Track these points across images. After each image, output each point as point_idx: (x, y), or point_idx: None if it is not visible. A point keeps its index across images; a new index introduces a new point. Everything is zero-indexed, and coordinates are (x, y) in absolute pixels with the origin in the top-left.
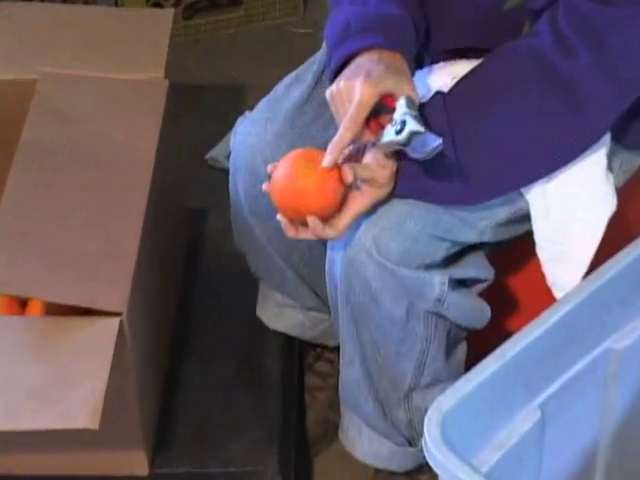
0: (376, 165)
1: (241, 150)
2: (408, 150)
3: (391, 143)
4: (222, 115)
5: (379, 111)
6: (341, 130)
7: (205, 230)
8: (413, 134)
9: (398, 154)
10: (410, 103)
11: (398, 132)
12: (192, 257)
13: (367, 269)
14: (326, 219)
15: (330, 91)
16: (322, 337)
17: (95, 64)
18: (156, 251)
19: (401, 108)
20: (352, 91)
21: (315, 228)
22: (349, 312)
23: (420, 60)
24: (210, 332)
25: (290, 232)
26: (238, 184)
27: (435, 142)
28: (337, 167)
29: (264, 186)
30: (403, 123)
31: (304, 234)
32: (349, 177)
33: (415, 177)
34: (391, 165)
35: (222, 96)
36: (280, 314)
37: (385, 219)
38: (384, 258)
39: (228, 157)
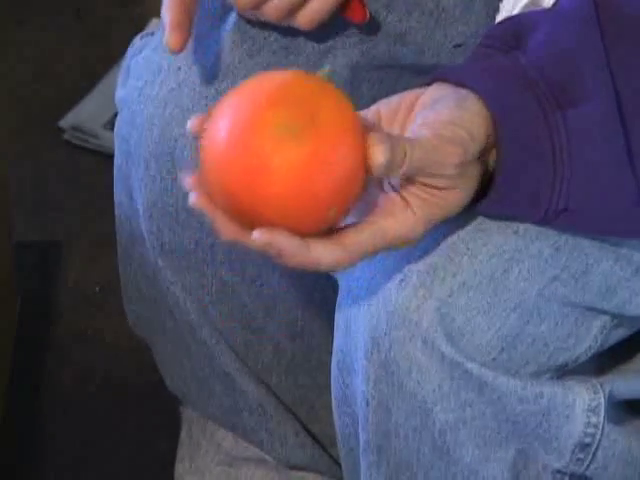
0: (435, 135)
1: (140, 111)
2: None
3: None
4: (93, 30)
5: None
6: None
7: (60, 289)
8: None
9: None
10: None
11: None
12: (31, 349)
13: (425, 379)
14: (319, 232)
15: None
16: None
17: None
18: None
19: None
20: None
21: (295, 251)
22: (385, 475)
23: None
24: None
25: (227, 231)
26: (134, 185)
27: None
28: (357, 127)
29: (185, 180)
30: None
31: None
32: (379, 157)
33: (527, 171)
34: (464, 135)
35: None
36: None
37: (464, 265)
38: (464, 354)
39: (109, 126)
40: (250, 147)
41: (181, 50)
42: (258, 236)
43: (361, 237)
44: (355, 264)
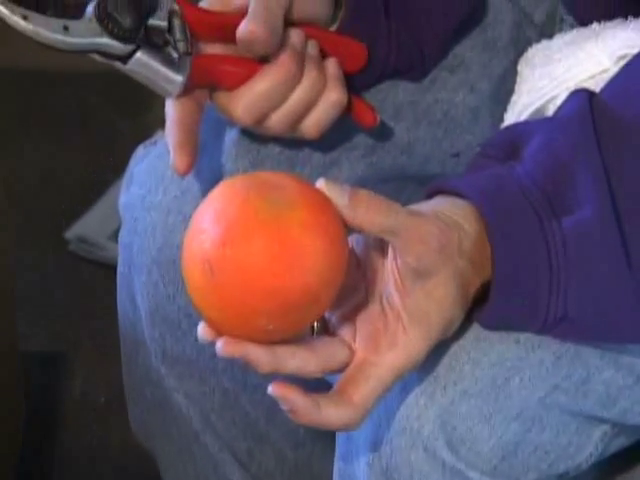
0: (405, 217)
1: (143, 218)
2: None
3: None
4: (98, 141)
5: None
6: None
7: (65, 400)
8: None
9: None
10: None
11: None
12: (36, 460)
13: None
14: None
15: None
16: None
17: None
18: None
19: None
20: None
21: (306, 411)
22: None
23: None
24: None
25: (264, 361)
26: (136, 292)
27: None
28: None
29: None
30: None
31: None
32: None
33: (523, 278)
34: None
35: (99, 101)
36: None
37: (465, 373)
38: (465, 462)
39: (114, 238)
40: (254, 246)
41: (188, 171)
42: (273, 390)
43: (368, 387)
44: (367, 416)
